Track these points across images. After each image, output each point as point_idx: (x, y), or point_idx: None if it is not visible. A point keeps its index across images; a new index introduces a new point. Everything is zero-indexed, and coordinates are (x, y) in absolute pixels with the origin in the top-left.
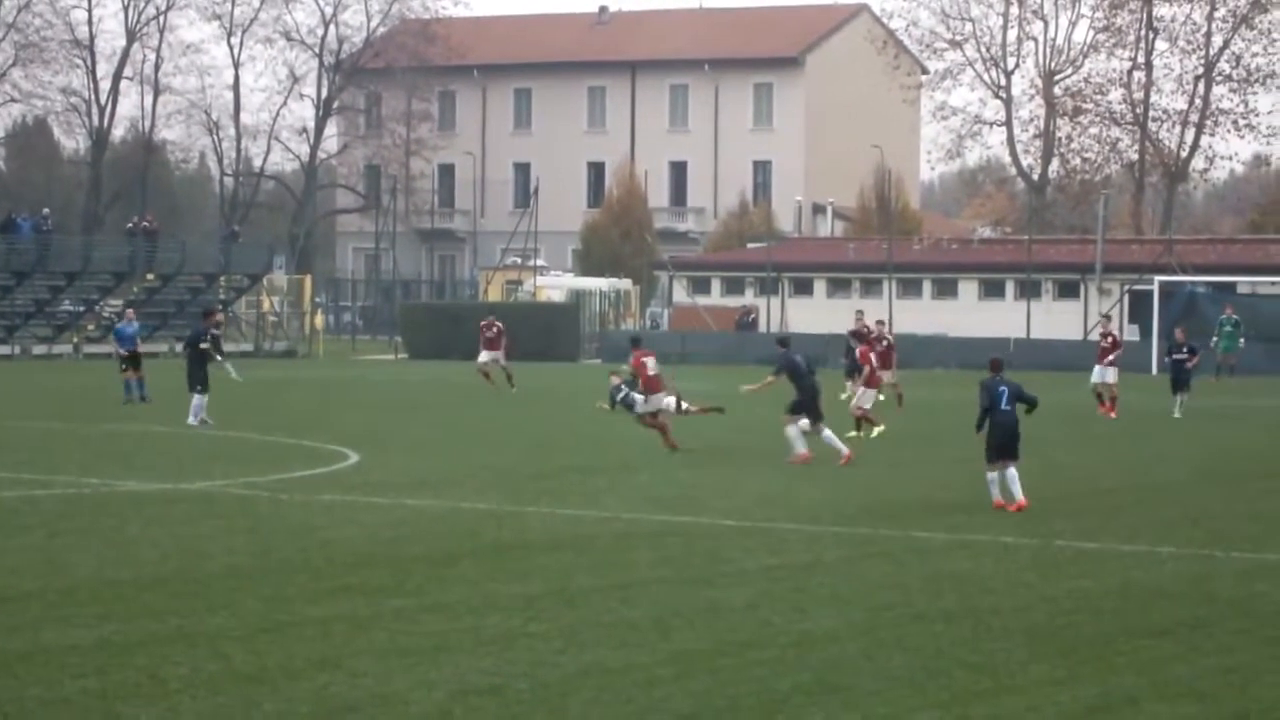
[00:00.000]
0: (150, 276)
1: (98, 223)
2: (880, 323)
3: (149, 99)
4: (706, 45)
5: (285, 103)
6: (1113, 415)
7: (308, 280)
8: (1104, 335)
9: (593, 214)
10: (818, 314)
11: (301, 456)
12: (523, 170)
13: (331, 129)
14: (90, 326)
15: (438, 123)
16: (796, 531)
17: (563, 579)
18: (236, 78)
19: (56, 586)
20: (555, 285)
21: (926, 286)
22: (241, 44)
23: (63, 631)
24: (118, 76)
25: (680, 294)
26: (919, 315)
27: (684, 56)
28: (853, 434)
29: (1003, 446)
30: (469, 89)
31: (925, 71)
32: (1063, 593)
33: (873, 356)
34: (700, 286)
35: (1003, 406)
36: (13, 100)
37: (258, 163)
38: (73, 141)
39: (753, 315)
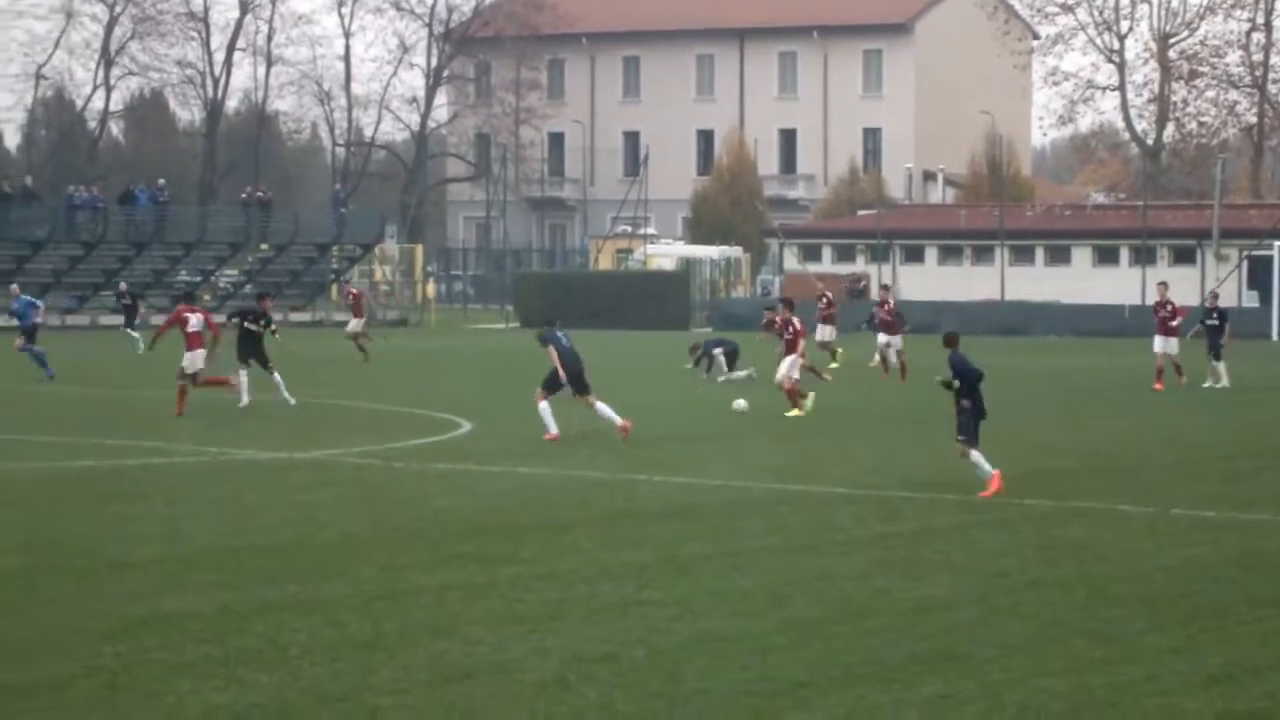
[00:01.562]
0: (264, 246)
1: (212, 194)
2: (885, 288)
3: (262, 70)
4: (815, 12)
5: (395, 72)
6: (1166, 383)
7: (419, 249)
8: (1163, 304)
9: (702, 182)
10: (929, 281)
11: (414, 425)
12: (632, 138)
13: (441, 98)
14: (207, 296)
15: (547, 91)
16: (908, 499)
17: (674, 547)
18: (347, 48)
19: (176, 554)
20: (666, 253)
21: (1039, 253)
22: (352, 14)
23: (183, 598)
24: (231, 48)
25: (791, 261)
26: (1032, 282)
27: (792, 24)
28: (793, 411)
29: (977, 426)
30: (578, 57)
31: (1036, 36)
32: (1180, 561)
33: (797, 323)
34: (811, 254)
35: (979, 386)
36: (130, 73)
37: (369, 132)
38: (188, 113)
39: (863, 283)
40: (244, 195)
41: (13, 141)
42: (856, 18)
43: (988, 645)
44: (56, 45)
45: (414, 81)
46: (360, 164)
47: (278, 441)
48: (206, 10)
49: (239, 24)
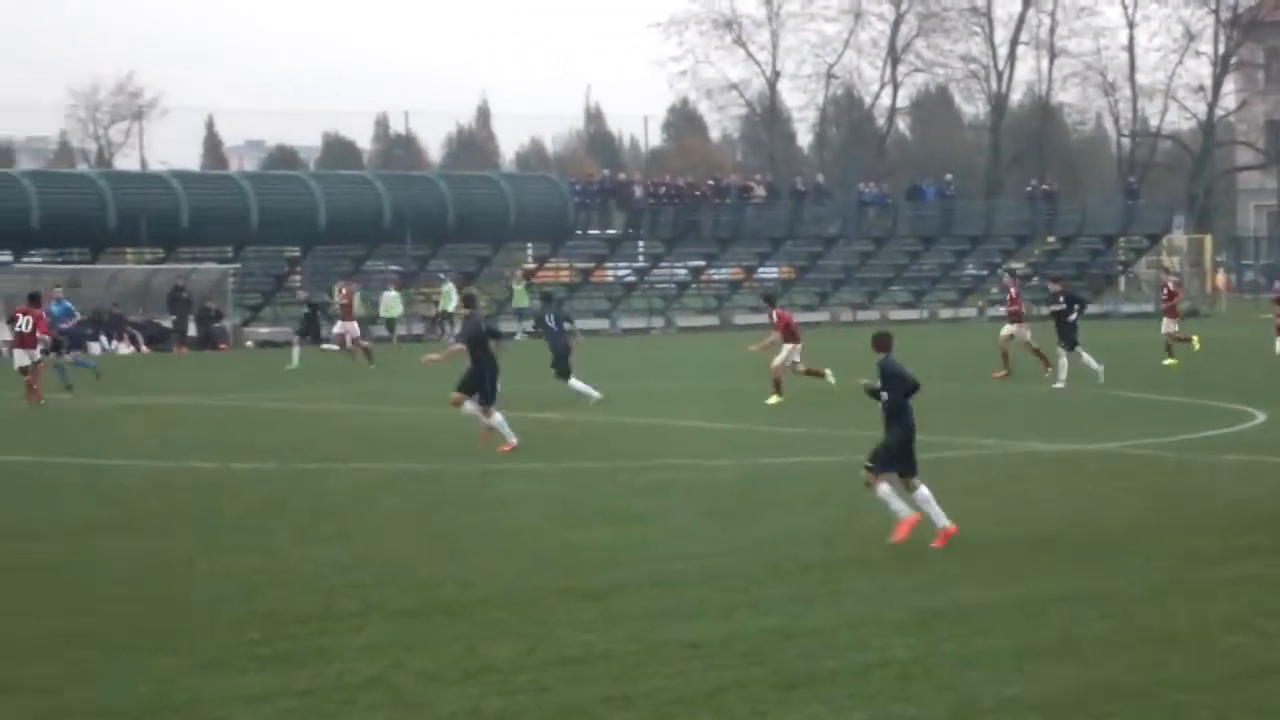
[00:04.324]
0: (1050, 239)
1: (998, 187)
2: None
3: (1045, 63)
4: None
5: (1181, 61)
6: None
7: (1207, 239)
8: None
9: None
10: None
11: (1205, 416)
12: None
13: (1229, 85)
14: (994, 289)
15: None
16: None
17: None
18: (1131, 38)
19: (967, 546)
20: None
21: None
22: (1135, 4)
23: (974, 590)
24: (1014, 42)
25: None
26: None
27: None
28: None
29: (906, 452)
30: None
31: None
32: None
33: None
34: None
35: (909, 400)
36: (917, 70)
37: (1154, 122)
38: (972, 107)
39: None
40: (1029, 188)
41: (805, 140)
42: None
43: None
44: (846, 45)
45: (1200, 70)
46: (1146, 154)
47: (1063, 433)
48: (990, 5)
49: (1022, 18)
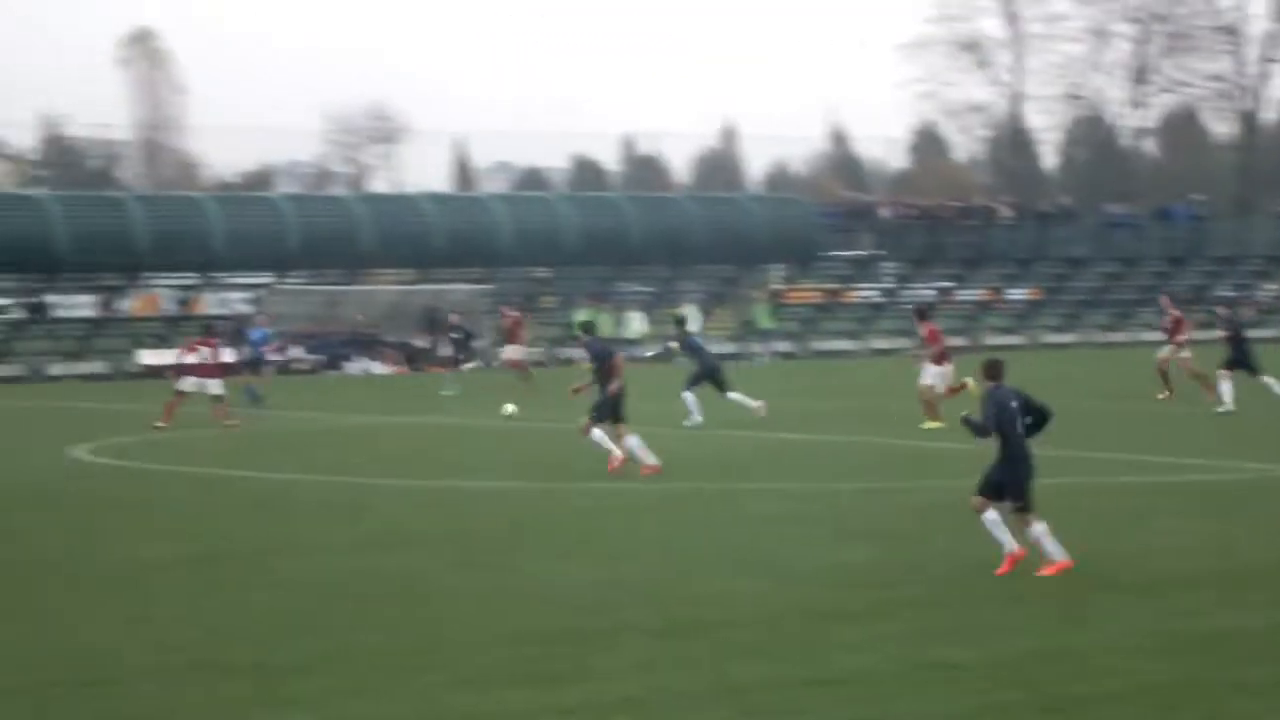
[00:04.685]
0: None
1: (1249, 207)
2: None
3: None
4: None
5: None
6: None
7: None
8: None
9: None
10: None
11: None
12: None
13: None
14: (1250, 312)
15: None
16: None
17: None
18: None
19: (1229, 570)
20: None
21: None
22: None
23: (1237, 615)
24: (1266, 60)
25: None
26: None
27: None
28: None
29: (1016, 483)
30: None
31: None
32: None
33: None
34: None
35: (1018, 428)
36: (1164, 90)
37: None
38: (1223, 127)
39: None
40: None
41: (1051, 161)
42: None
43: None
44: (1090, 66)
45: None
46: None
47: None
48: (1240, 23)
49: (1273, 35)
